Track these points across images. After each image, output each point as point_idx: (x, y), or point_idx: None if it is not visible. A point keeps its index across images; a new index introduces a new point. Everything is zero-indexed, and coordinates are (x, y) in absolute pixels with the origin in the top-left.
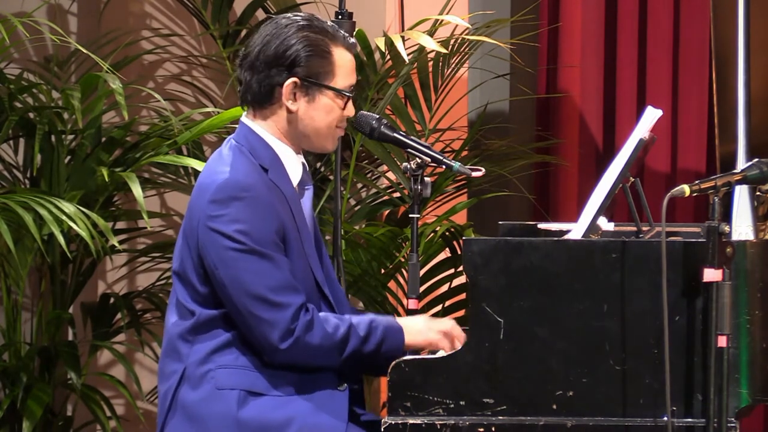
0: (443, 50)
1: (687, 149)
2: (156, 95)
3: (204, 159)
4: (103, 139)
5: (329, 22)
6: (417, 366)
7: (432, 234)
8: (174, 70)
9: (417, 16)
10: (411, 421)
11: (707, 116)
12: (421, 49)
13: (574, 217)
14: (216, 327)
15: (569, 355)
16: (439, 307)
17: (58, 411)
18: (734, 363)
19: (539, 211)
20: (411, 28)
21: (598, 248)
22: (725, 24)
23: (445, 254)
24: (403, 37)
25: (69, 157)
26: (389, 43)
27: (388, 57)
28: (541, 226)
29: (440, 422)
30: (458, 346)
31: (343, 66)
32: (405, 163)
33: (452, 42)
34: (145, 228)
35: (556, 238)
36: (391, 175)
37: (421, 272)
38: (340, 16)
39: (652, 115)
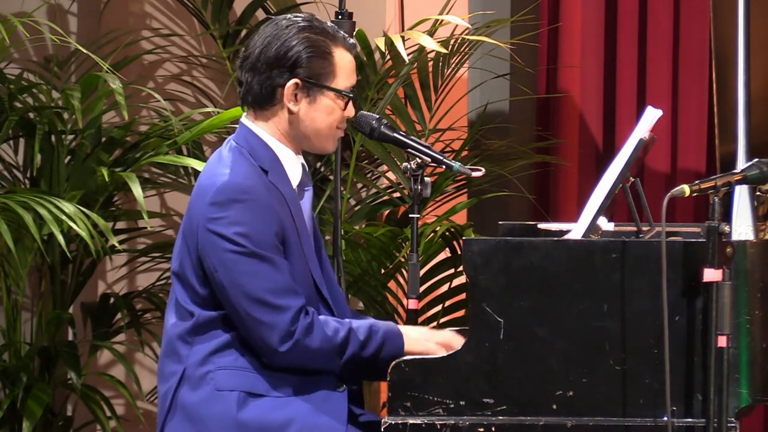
0: (443, 50)
1: (687, 149)
2: (156, 95)
3: (204, 159)
4: (103, 139)
5: (329, 23)
6: (417, 366)
7: (432, 234)
8: (174, 70)
9: (417, 16)
10: (411, 421)
11: (707, 116)
12: (421, 49)
13: (574, 217)
14: (215, 328)
15: (569, 355)
16: (439, 307)
17: (58, 411)
18: (734, 363)
19: (539, 211)
20: (411, 28)
21: (598, 248)
22: (725, 24)
23: (445, 254)
24: (403, 37)
25: (69, 157)
26: (389, 43)
27: (388, 57)
28: (541, 226)
29: (440, 422)
30: None
31: (344, 67)
32: (405, 163)
33: (452, 42)
34: (145, 228)
35: (556, 238)
36: (391, 175)
37: (421, 272)
38: (340, 16)
39: (652, 115)
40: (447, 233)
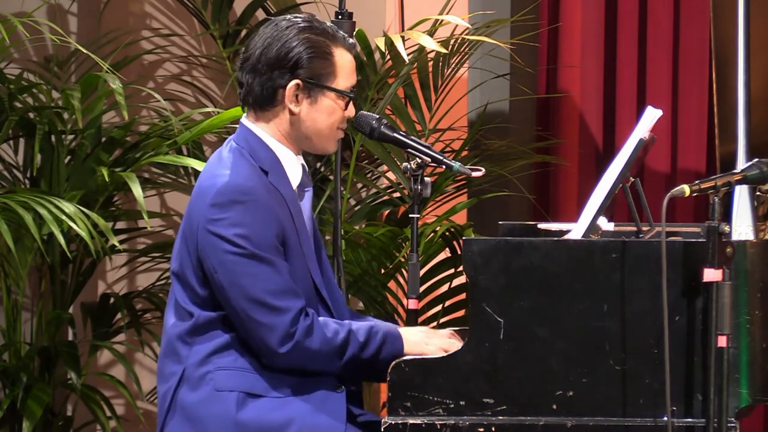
0: (443, 50)
1: (687, 149)
2: (156, 95)
3: (204, 159)
4: (103, 139)
5: (329, 23)
6: (417, 366)
7: (432, 234)
8: (174, 70)
9: (417, 16)
10: (411, 421)
11: (707, 116)
12: (421, 49)
13: (574, 217)
14: (215, 329)
15: (569, 355)
16: (439, 307)
17: (58, 411)
18: (734, 363)
19: (539, 211)
20: (411, 28)
21: (598, 248)
22: (725, 24)
23: (445, 254)
24: (403, 37)
25: (69, 157)
26: (389, 43)
27: (388, 57)
28: (541, 226)
29: (440, 422)
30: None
31: (344, 67)
32: (405, 163)
33: (452, 42)
34: (145, 228)
35: (556, 238)
36: (391, 175)
37: (421, 272)
38: (340, 17)
39: (652, 115)
40: (447, 233)
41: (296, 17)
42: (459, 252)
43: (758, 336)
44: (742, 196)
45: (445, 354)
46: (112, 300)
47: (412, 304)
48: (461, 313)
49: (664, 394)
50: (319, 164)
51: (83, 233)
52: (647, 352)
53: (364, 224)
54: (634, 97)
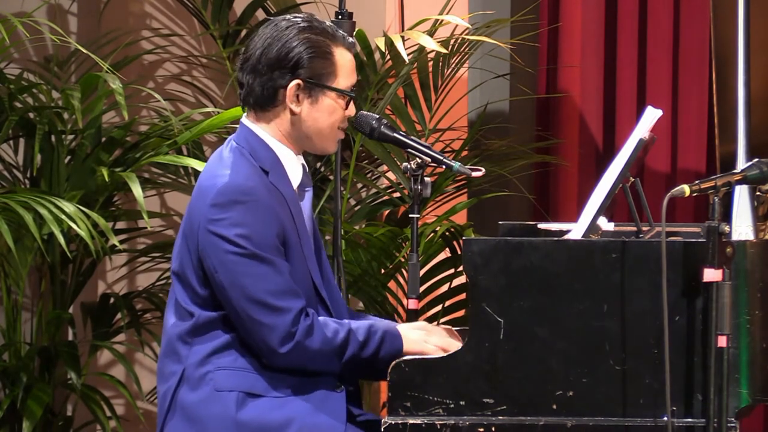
0: (443, 50)
1: (687, 149)
2: (156, 95)
3: (204, 159)
4: (103, 139)
5: (328, 23)
6: (417, 366)
7: (432, 234)
8: (174, 70)
9: (417, 16)
10: (411, 421)
11: (707, 116)
12: (421, 49)
13: (574, 217)
14: (215, 329)
15: (569, 355)
16: (439, 307)
17: (58, 411)
18: (734, 363)
19: (539, 211)
20: (411, 28)
21: (598, 248)
22: (725, 24)
23: (445, 254)
24: (403, 37)
25: (69, 157)
26: (389, 43)
27: (388, 57)
28: (541, 226)
29: (440, 422)
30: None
31: (345, 66)
32: (405, 163)
33: (452, 42)
34: (145, 228)
35: (556, 238)
36: (391, 175)
37: (421, 272)
38: (340, 16)
39: (652, 115)
40: (447, 233)
41: (296, 17)
42: (459, 252)
43: (758, 336)
44: (742, 196)
45: (444, 352)
46: (112, 300)
47: (412, 304)
48: (461, 313)
49: (664, 394)
50: (319, 164)
51: (83, 233)
52: (647, 352)
53: (364, 224)
54: (634, 97)
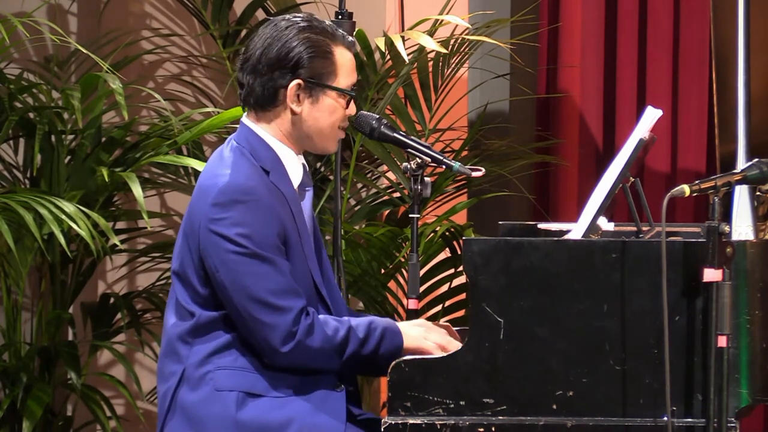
0: (443, 50)
1: (687, 149)
2: (156, 95)
3: (204, 159)
4: (103, 139)
5: (327, 22)
6: (417, 366)
7: (432, 234)
8: (174, 70)
9: (417, 16)
10: (411, 421)
11: (707, 116)
12: (421, 49)
13: (574, 217)
14: (216, 329)
15: (569, 355)
16: (439, 307)
17: (58, 411)
18: (734, 363)
19: (539, 211)
20: (411, 28)
21: (598, 248)
22: (725, 24)
23: (445, 254)
24: (403, 37)
25: (69, 157)
26: (389, 43)
27: (388, 57)
28: (541, 226)
29: (440, 422)
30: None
31: (345, 65)
32: (405, 163)
33: (452, 42)
34: (145, 228)
35: (556, 238)
36: (391, 175)
37: (421, 272)
38: (340, 16)
39: (652, 115)
40: (447, 233)
41: (295, 17)
42: (459, 252)
43: (758, 336)
44: (742, 196)
45: (443, 350)
46: (112, 300)
47: (412, 304)
48: (461, 313)
49: (664, 394)
50: (319, 164)
51: (84, 233)
52: (647, 352)
53: (364, 224)
54: (634, 97)
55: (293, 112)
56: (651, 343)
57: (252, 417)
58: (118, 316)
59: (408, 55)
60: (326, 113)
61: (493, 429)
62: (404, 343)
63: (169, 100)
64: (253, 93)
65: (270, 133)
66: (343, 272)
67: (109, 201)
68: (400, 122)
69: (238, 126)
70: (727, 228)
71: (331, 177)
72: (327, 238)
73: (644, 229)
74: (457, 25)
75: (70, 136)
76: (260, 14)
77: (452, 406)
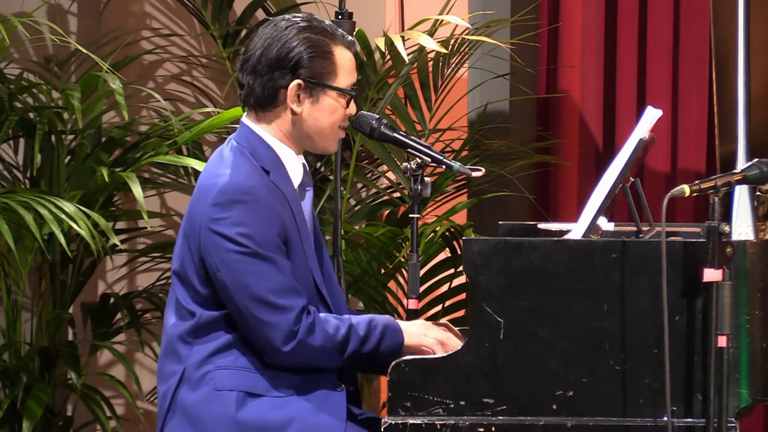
0: (443, 50)
1: (687, 149)
2: (156, 95)
3: (204, 159)
4: (103, 139)
5: (327, 22)
6: (417, 366)
7: (432, 234)
8: (174, 70)
9: (417, 16)
10: (411, 421)
11: (707, 116)
12: (421, 49)
13: (574, 217)
14: (216, 329)
15: (569, 355)
16: (439, 307)
17: (58, 411)
18: (734, 363)
19: (539, 211)
20: (411, 28)
21: (598, 248)
22: (725, 24)
23: (445, 254)
24: (403, 37)
25: (69, 157)
26: (389, 43)
27: (388, 57)
28: (541, 226)
29: (440, 422)
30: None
31: (345, 65)
32: (405, 163)
33: (452, 42)
34: (145, 228)
35: (556, 238)
36: (391, 175)
37: (421, 272)
38: (340, 16)
39: (652, 115)
40: (447, 233)
41: (295, 17)
42: (459, 252)
43: (758, 336)
44: (742, 196)
45: (443, 346)
46: (112, 300)
47: (412, 304)
48: (461, 313)
49: (664, 394)
50: (319, 164)
51: (84, 233)
52: (647, 352)
53: (364, 224)
54: (634, 97)
55: (293, 112)
56: (651, 343)
57: (252, 417)
58: (118, 316)
59: (408, 55)
60: (326, 113)
61: (493, 429)
62: (405, 341)
63: (169, 100)
64: (253, 93)
65: (270, 133)
66: (343, 272)
67: (109, 201)
68: (400, 122)
69: (238, 126)
70: (727, 228)
71: (331, 177)
72: (327, 238)
73: (644, 229)
74: (457, 25)
75: (70, 136)
76: (260, 14)
77: (452, 406)
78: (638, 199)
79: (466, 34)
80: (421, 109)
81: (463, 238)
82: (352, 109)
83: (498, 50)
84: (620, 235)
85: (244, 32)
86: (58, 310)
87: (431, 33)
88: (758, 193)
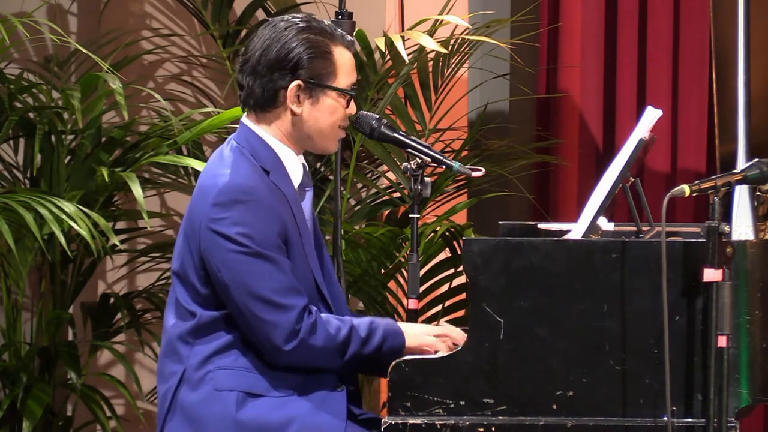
0: (443, 50)
1: (687, 149)
2: (156, 95)
3: (204, 159)
4: (103, 139)
5: (326, 22)
6: (417, 366)
7: (432, 234)
8: (174, 70)
9: (417, 16)
10: (411, 421)
11: (707, 116)
12: (421, 49)
13: (574, 217)
14: (217, 329)
15: (569, 355)
16: (439, 307)
17: (58, 411)
18: (734, 363)
19: (539, 211)
20: (411, 28)
21: (598, 248)
22: (725, 24)
23: (445, 254)
24: (403, 37)
25: (69, 157)
26: (389, 43)
27: (388, 57)
28: (541, 226)
29: (440, 422)
30: (460, 343)
31: (344, 65)
32: (405, 163)
33: (452, 42)
34: (145, 228)
35: (556, 238)
36: (391, 175)
37: (421, 272)
38: (340, 16)
39: (652, 115)
40: (447, 233)
41: (294, 17)
42: (459, 252)
43: (758, 336)
44: (742, 196)
45: (445, 344)
46: (112, 300)
47: (412, 304)
48: (461, 313)
49: (664, 394)
50: (319, 164)
51: (84, 233)
52: (647, 352)
53: (364, 224)
54: (634, 97)
55: (293, 113)
56: (651, 343)
57: (252, 417)
58: (118, 316)
59: (408, 55)
60: (326, 113)
61: (493, 429)
62: (406, 342)
63: (169, 100)
64: (253, 94)
65: (270, 133)
66: (343, 272)
67: (109, 201)
68: (400, 122)
69: (238, 126)
70: (727, 228)
71: (331, 177)
72: (327, 238)
73: (644, 229)
74: (457, 25)
75: (70, 136)
76: (260, 14)
77: (452, 406)
78: (638, 199)
79: (466, 34)
80: (421, 109)
81: (463, 238)
82: (352, 109)
83: (498, 50)
84: (620, 235)
85: (244, 32)
86: (58, 310)
87: (431, 33)
88: (758, 193)
